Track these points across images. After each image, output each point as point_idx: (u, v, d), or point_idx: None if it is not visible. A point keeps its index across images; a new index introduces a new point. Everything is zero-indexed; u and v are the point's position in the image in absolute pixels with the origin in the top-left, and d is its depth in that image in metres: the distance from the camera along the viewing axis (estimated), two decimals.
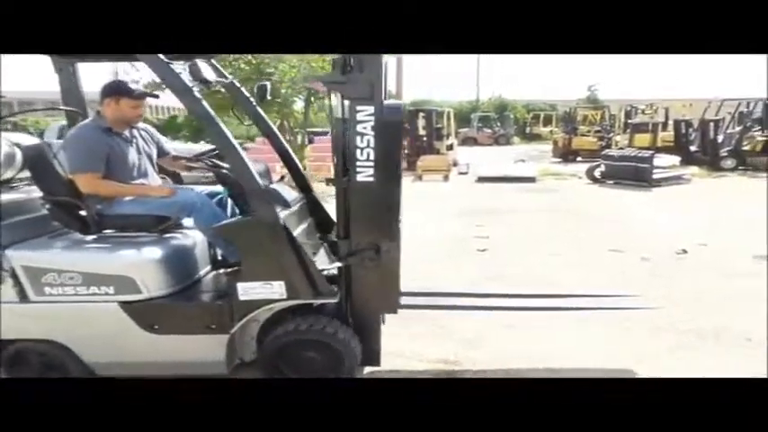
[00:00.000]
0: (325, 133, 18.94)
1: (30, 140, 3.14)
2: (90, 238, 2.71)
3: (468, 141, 26.80)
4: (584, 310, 3.11)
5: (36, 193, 2.84)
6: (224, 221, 2.59)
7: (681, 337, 3.32)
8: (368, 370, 2.83)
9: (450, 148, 15.69)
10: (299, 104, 18.36)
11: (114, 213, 2.73)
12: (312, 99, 18.15)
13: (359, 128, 2.39)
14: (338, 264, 2.61)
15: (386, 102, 2.39)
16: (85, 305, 2.49)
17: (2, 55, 2.62)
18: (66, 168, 2.68)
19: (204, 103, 2.37)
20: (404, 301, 2.73)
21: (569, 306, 3.09)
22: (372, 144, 2.40)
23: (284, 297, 2.48)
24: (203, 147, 5.10)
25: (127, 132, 2.84)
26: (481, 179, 12.17)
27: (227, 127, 2.42)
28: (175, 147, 3.90)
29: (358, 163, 2.43)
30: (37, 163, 2.74)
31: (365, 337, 2.64)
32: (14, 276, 2.49)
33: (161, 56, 2.31)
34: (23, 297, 2.50)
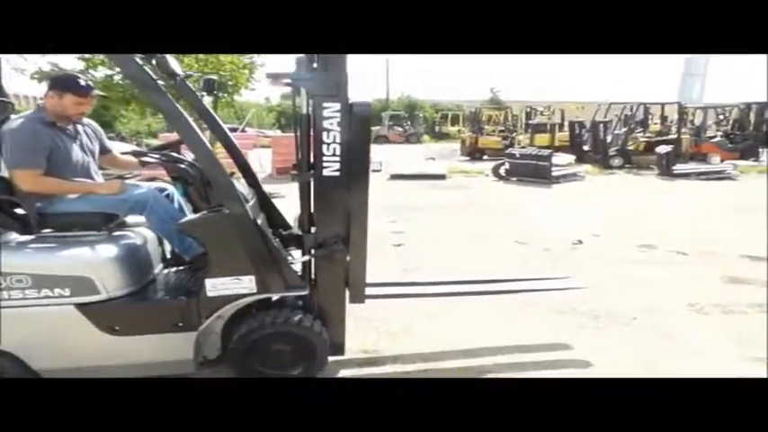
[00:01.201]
0: (234, 130, 18.44)
1: None
2: (30, 238, 2.54)
3: (379, 140, 27.27)
4: (522, 292, 3.41)
5: None
6: (189, 217, 2.54)
7: (579, 318, 3.72)
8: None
9: None
10: (205, 100, 17.74)
11: (58, 211, 2.58)
12: (221, 94, 17.59)
13: (325, 124, 2.46)
14: (305, 257, 2.67)
15: (354, 99, 2.48)
16: (36, 309, 2.33)
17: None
18: (5, 163, 2.49)
19: (169, 96, 2.32)
20: (366, 291, 2.83)
21: (510, 289, 3.37)
22: (338, 140, 2.48)
23: (254, 291, 2.49)
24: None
25: (71, 127, 2.69)
26: (394, 177, 12.46)
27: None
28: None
29: (324, 158, 2.50)
30: None
31: (330, 328, 2.72)
32: None
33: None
34: None
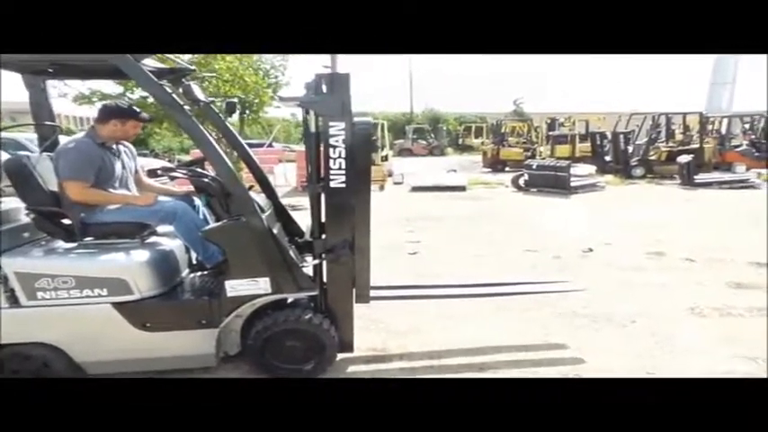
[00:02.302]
0: (260, 145, 19.02)
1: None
2: (74, 245, 2.86)
3: (404, 152, 27.71)
4: (522, 295, 3.62)
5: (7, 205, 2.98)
6: (212, 225, 2.84)
7: (579, 320, 3.88)
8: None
9: (384, 158, 16.18)
10: (233, 117, 18.36)
11: (98, 221, 2.91)
12: (247, 112, 18.23)
13: (332, 141, 2.74)
14: (315, 261, 2.94)
15: (356, 118, 2.75)
16: (78, 307, 2.65)
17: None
18: (58, 175, 2.83)
19: (194, 118, 2.64)
20: (373, 293, 3.08)
21: (510, 291, 3.58)
22: (344, 155, 2.75)
23: (269, 292, 2.77)
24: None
25: (114, 147, 3.06)
26: (415, 189, 12.74)
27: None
28: None
29: (331, 172, 2.78)
30: (19, 176, 2.87)
31: (339, 327, 2.97)
32: (5, 282, 2.62)
33: (153, 77, 2.56)
34: (14, 302, 2.63)
